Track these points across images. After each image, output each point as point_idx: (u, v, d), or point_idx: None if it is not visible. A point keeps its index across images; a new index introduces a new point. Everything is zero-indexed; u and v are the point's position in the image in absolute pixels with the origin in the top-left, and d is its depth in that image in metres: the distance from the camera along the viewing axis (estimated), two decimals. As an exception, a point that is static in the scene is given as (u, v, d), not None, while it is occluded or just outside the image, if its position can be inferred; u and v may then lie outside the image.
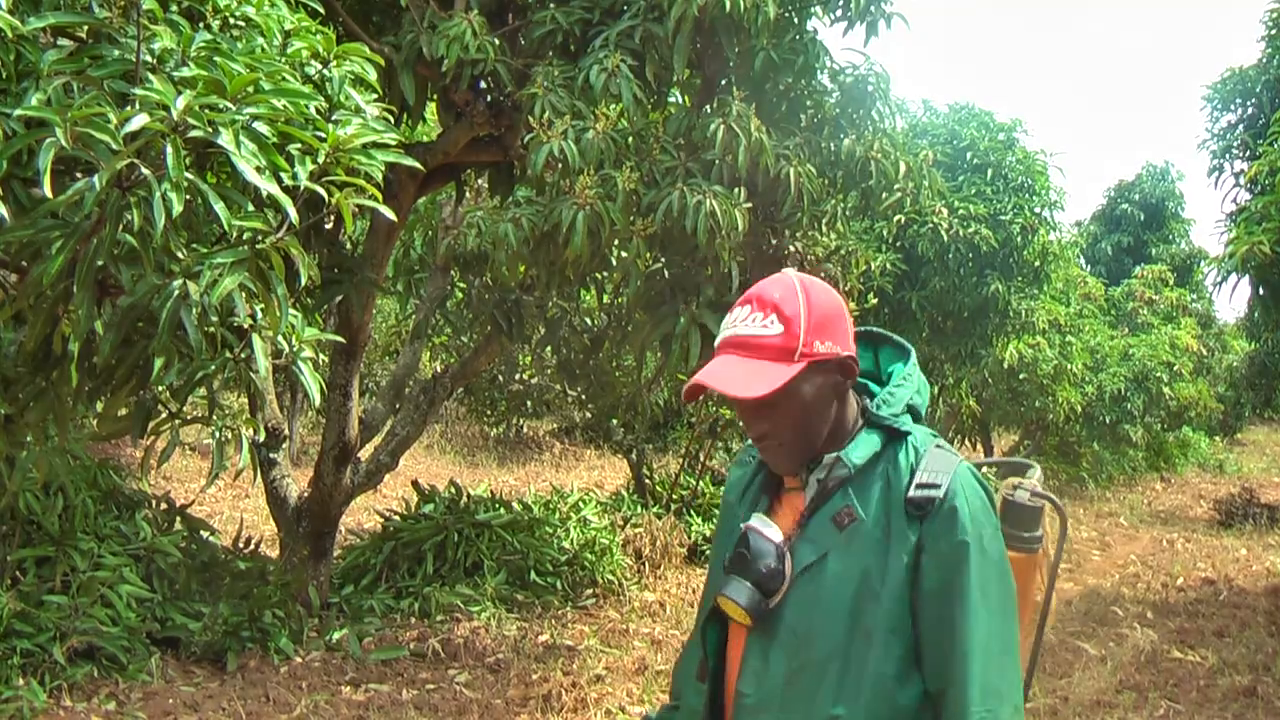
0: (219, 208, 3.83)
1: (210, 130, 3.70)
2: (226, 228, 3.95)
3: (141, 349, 4.23)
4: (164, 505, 9.30)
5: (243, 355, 4.31)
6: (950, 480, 2.59)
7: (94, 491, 8.75)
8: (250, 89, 3.88)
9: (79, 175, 3.85)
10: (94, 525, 8.46)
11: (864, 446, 2.67)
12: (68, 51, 3.88)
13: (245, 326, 4.27)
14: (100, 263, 3.91)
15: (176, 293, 3.94)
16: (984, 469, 2.97)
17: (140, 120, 3.56)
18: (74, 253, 3.87)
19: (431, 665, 8.76)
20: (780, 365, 2.57)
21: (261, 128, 3.89)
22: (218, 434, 4.68)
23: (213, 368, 4.31)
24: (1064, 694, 8.96)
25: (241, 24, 4.42)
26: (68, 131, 3.54)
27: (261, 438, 9.24)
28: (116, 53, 3.88)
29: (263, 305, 4.18)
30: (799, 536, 2.68)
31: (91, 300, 4.00)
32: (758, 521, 2.73)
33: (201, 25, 4.26)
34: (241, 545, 9.69)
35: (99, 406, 5.07)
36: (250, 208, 4.06)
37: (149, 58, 3.90)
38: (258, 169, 3.80)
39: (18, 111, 3.63)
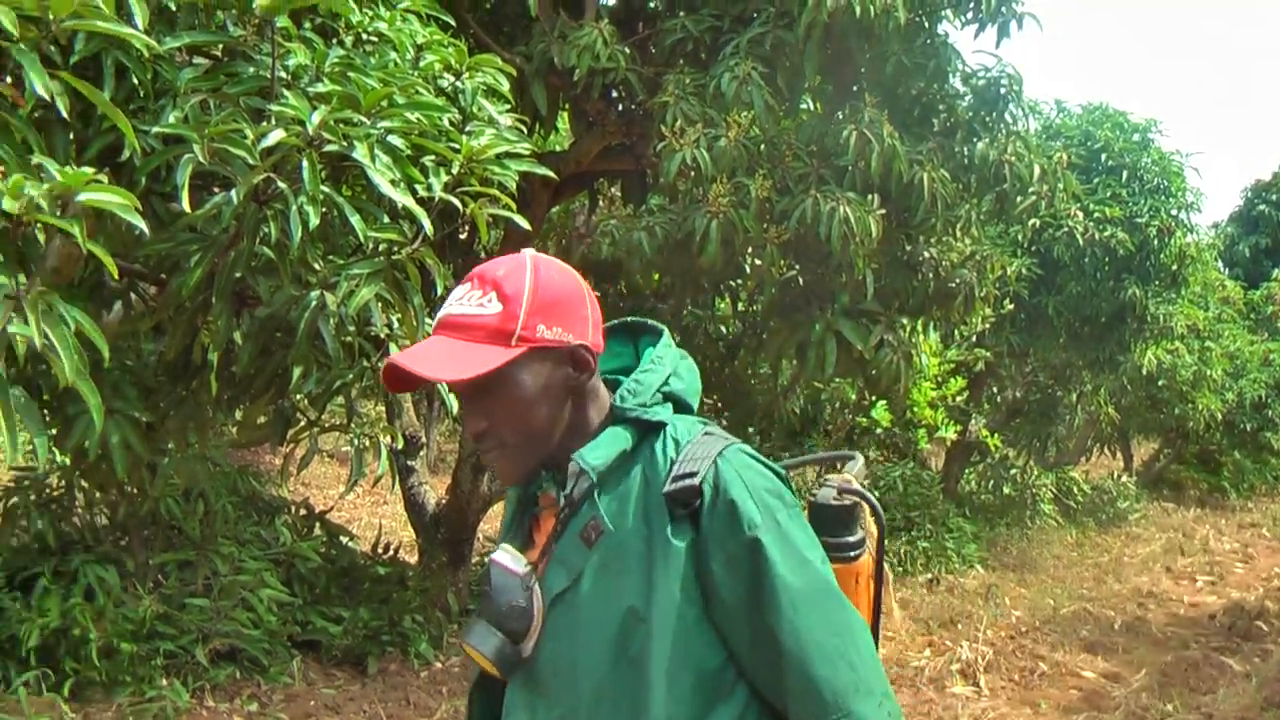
0: (355, 220, 3.89)
1: (345, 144, 3.75)
2: (362, 239, 4.01)
3: (280, 358, 4.30)
4: (303, 511, 9.45)
5: (380, 364, 4.36)
6: (714, 465, 2.20)
7: (234, 497, 8.91)
8: (384, 103, 3.93)
9: (216, 190, 3.93)
10: (234, 530, 8.61)
11: (606, 446, 2.27)
12: (204, 69, 3.95)
13: (382, 336, 4.34)
14: (238, 275, 3.99)
15: (314, 303, 4.01)
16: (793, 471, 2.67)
17: (276, 135, 3.62)
18: (212, 265, 3.95)
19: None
20: (492, 348, 2.20)
21: (396, 140, 3.94)
22: (356, 441, 4.73)
23: (350, 376, 4.37)
24: (1208, 710, 8.77)
25: (374, 39, 4.48)
26: (205, 147, 3.62)
27: (399, 445, 9.33)
28: (252, 70, 3.95)
29: (399, 315, 4.24)
30: (549, 561, 2.31)
31: (230, 311, 4.08)
32: (502, 553, 2.35)
33: (335, 41, 4.33)
34: (380, 551, 9.81)
35: (238, 414, 5.18)
36: (385, 219, 4.12)
37: (284, 74, 3.96)
38: (392, 181, 3.85)
39: (156, 129, 3.71)
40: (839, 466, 2.67)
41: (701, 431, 2.29)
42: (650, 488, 2.24)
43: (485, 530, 11.53)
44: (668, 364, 2.41)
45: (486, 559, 2.43)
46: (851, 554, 2.46)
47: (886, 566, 2.56)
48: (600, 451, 2.26)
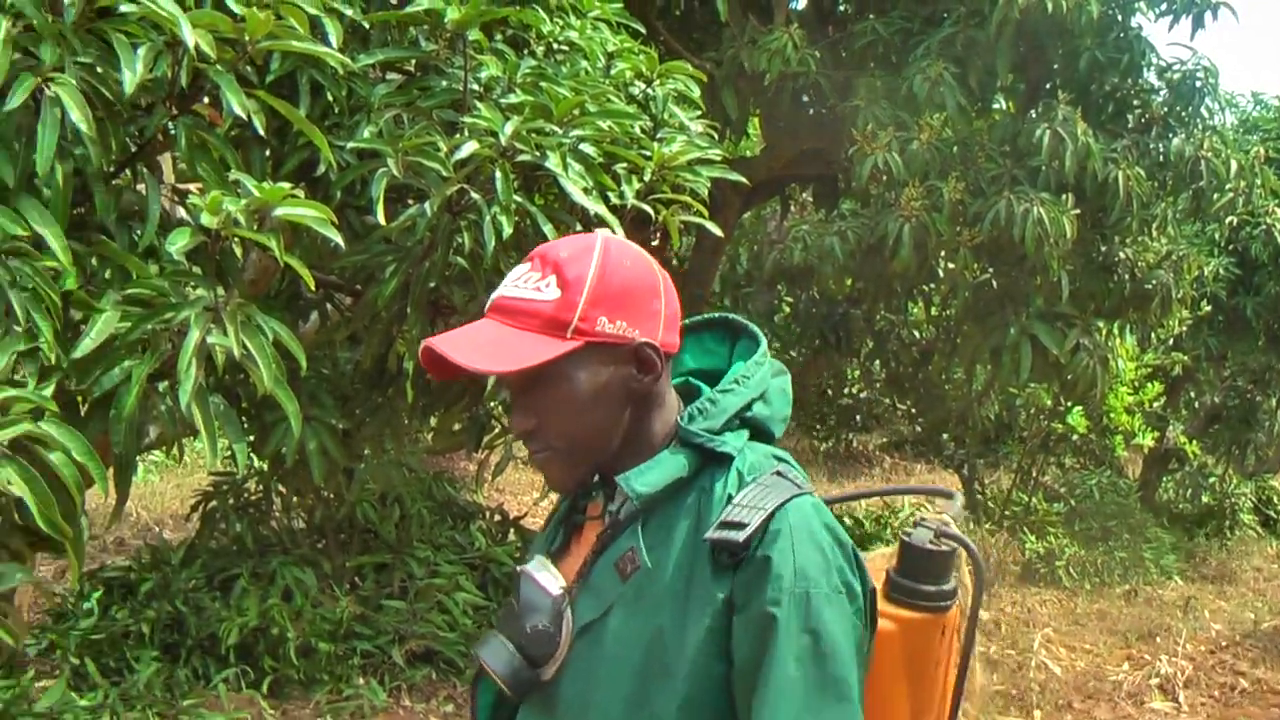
0: (548, 229, 3.89)
1: (538, 154, 3.76)
2: (555, 248, 4.01)
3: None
4: (498, 517, 9.54)
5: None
6: (767, 519, 1.92)
7: (429, 502, 9.04)
8: (576, 111, 3.94)
9: (410, 202, 3.97)
10: (430, 535, 8.73)
11: (660, 470, 2.00)
12: (396, 84, 4.01)
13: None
14: (432, 284, 4.03)
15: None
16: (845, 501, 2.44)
17: (470, 147, 3.65)
18: (407, 275, 4.00)
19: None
20: (544, 339, 1.95)
21: (588, 149, 3.95)
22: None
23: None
24: None
25: (565, 48, 4.49)
26: (399, 161, 3.67)
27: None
28: (444, 83, 3.99)
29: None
30: (582, 586, 2.06)
31: (425, 320, 4.12)
32: (536, 565, 2.11)
33: (526, 52, 4.35)
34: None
35: (433, 421, 5.24)
36: (579, 227, 4.12)
37: (476, 86, 4.00)
38: (585, 190, 3.86)
39: (351, 144, 3.76)
40: (930, 502, 2.50)
41: (772, 470, 2.01)
42: (701, 525, 1.98)
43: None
44: (754, 384, 2.11)
45: (516, 567, 2.14)
46: (942, 604, 2.14)
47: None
48: (650, 477, 2.00)
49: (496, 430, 4.91)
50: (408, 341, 4.20)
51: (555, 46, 4.48)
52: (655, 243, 7.87)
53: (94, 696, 6.34)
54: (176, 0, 3.07)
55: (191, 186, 3.59)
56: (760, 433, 2.11)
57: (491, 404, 4.70)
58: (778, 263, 8.83)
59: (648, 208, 4.11)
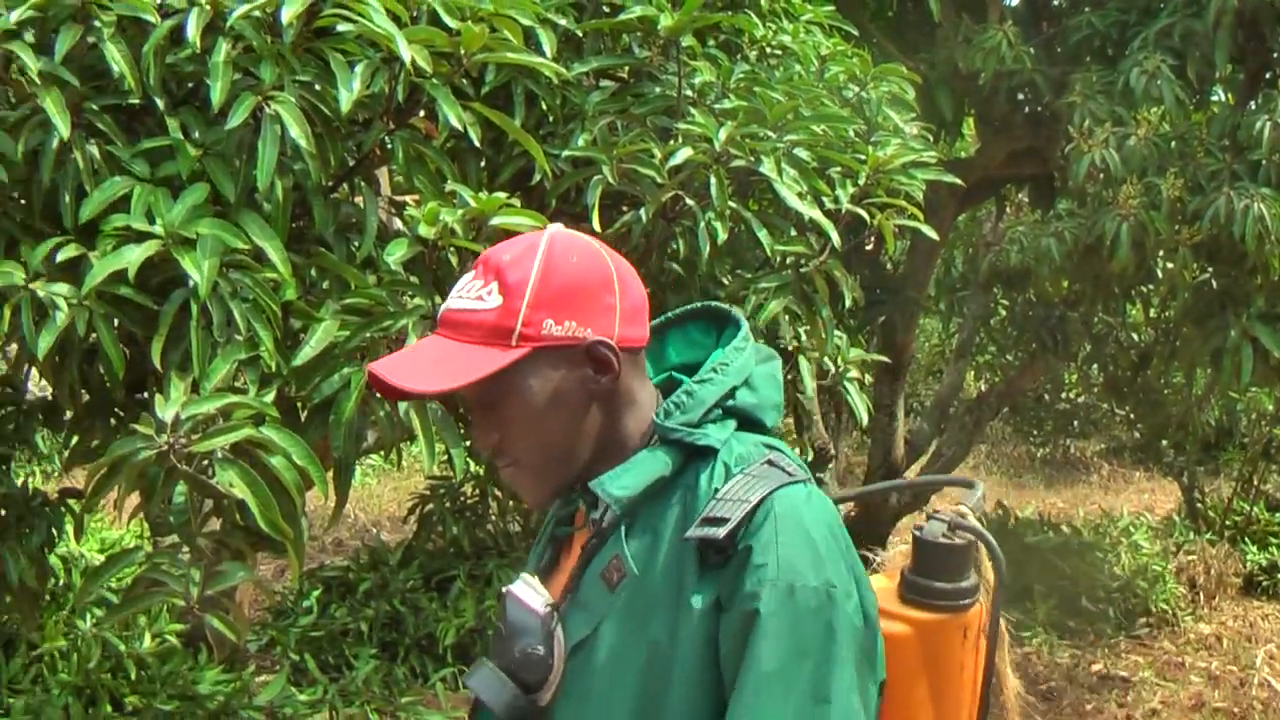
0: (762, 234, 3.89)
1: (752, 159, 3.75)
2: (770, 253, 4.01)
3: (690, 371, 4.33)
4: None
5: (789, 376, 4.34)
6: (752, 511, 1.76)
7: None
8: (790, 116, 3.92)
9: (625, 209, 4.00)
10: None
11: (637, 471, 1.85)
12: (610, 92, 4.04)
13: (791, 348, 4.32)
14: (648, 291, 4.03)
15: (722, 317, 4.02)
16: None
17: (684, 153, 3.66)
18: (621, 282, 4.01)
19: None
20: (488, 351, 1.81)
21: (802, 153, 3.93)
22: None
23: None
24: None
25: (778, 53, 4.48)
26: (614, 168, 3.70)
27: (809, 457, 9.33)
28: (658, 90, 4.01)
29: (807, 327, 4.22)
30: (571, 602, 1.90)
31: (639, 328, 4.13)
32: (522, 585, 1.94)
33: (739, 57, 4.35)
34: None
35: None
36: (792, 232, 4.10)
37: (690, 92, 4.00)
38: (799, 194, 3.83)
39: (566, 152, 3.80)
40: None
41: (763, 460, 1.85)
42: (688, 524, 1.81)
43: (894, 543, 11.39)
44: (734, 371, 1.93)
45: (502, 589, 1.97)
46: (960, 603, 1.96)
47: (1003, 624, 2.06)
48: (627, 480, 1.84)
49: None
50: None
51: (768, 51, 4.48)
52: (869, 247, 7.81)
53: (313, 692, 6.47)
54: (393, 17, 3.13)
55: (408, 198, 3.65)
56: (750, 423, 1.94)
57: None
58: (993, 265, 8.65)
59: (862, 212, 4.07)
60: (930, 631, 1.93)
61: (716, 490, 1.80)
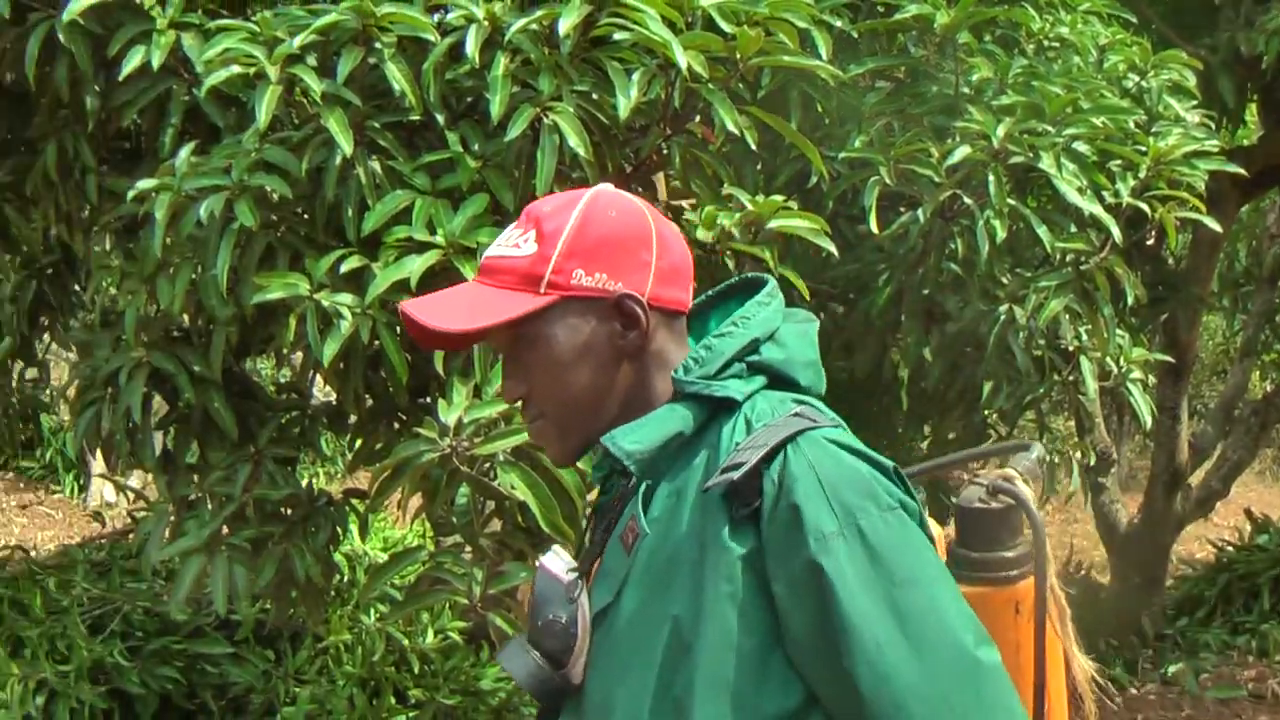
0: (1041, 231, 3.84)
1: (1030, 155, 3.71)
2: (1049, 250, 3.96)
3: (969, 374, 4.30)
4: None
5: (1070, 377, 4.28)
6: (781, 454, 1.63)
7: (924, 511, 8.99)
8: (1069, 109, 3.86)
9: (902, 209, 3.99)
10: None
11: (652, 426, 1.75)
12: (886, 92, 4.06)
13: (1072, 349, 4.25)
14: (926, 292, 4.03)
15: (1002, 317, 3.99)
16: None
17: (962, 152, 3.64)
18: (900, 283, 4.03)
19: (1271, 708, 8.26)
20: (517, 295, 1.77)
21: (1081, 147, 3.87)
22: (1048, 457, 4.65)
23: (1041, 390, 4.31)
24: None
25: (1056, 45, 4.43)
26: (891, 169, 3.70)
27: (1090, 461, 9.13)
28: (935, 88, 4.01)
29: (1088, 326, 4.16)
30: (598, 570, 1.83)
31: (919, 328, 4.13)
32: (550, 555, 1.88)
33: (1016, 51, 4.30)
34: (1072, 570, 9.62)
35: (927, 430, 5.21)
36: (1072, 229, 4.04)
37: (967, 89, 3.98)
38: (1079, 189, 3.78)
39: (842, 154, 3.83)
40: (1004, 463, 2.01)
41: (790, 411, 1.71)
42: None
43: (1178, 552, 11.07)
44: (756, 325, 1.81)
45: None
46: (1002, 574, 1.84)
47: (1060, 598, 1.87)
48: (641, 434, 1.75)
49: (993, 438, 4.84)
50: (902, 349, 4.21)
51: (1046, 44, 4.42)
52: (1150, 241, 7.60)
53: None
54: (668, 24, 3.17)
55: (685, 202, 3.70)
56: (782, 381, 1.80)
57: (986, 411, 4.64)
58: (1278, 258, 8.35)
59: (1143, 205, 3.99)
60: (984, 607, 1.74)
61: (738, 445, 1.68)
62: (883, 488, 1.63)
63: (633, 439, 1.73)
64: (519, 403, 1.86)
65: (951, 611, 1.60)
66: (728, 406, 1.74)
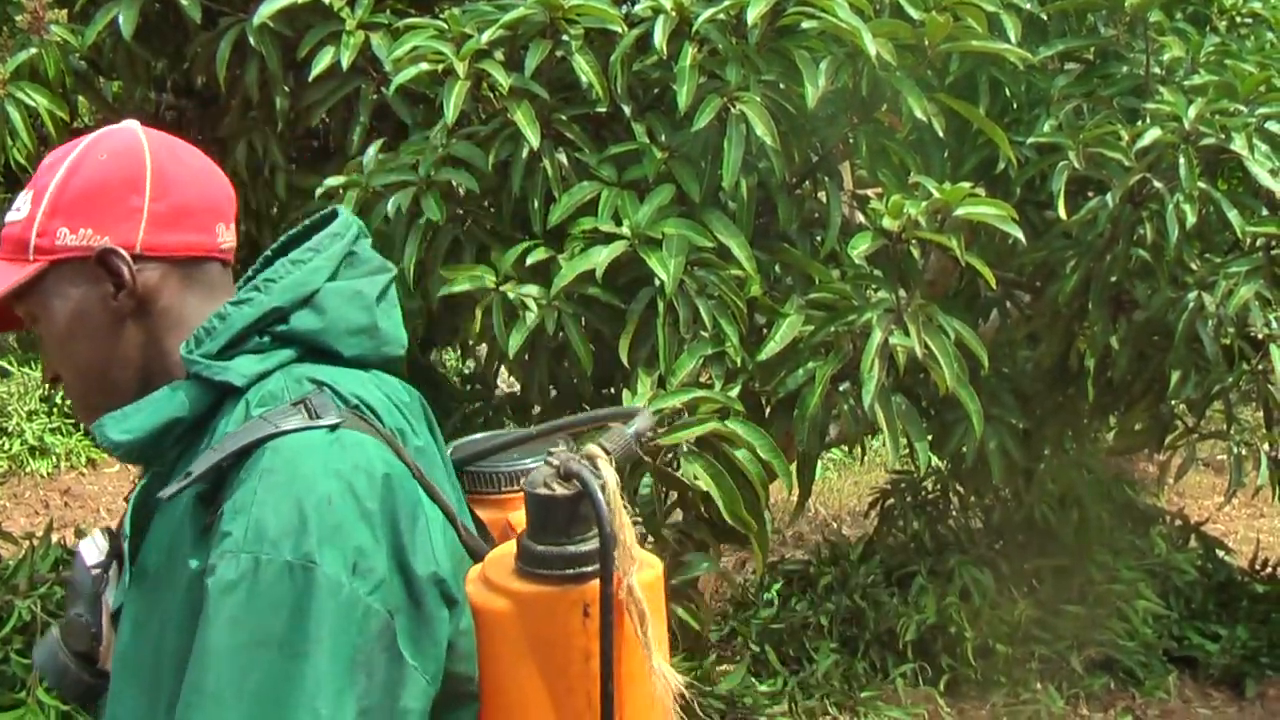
0: (1232, 215, 3.76)
1: (1222, 136, 3.63)
2: (1240, 235, 3.85)
3: (1157, 363, 4.21)
4: (1178, 521, 9.17)
5: (1260, 366, 4.16)
6: (225, 461, 1.42)
7: (1109, 505, 8.79)
8: (1262, 88, 3.76)
9: (1090, 194, 3.93)
10: (1109, 539, 8.49)
11: (147, 413, 1.51)
12: (1075, 74, 3.98)
13: (1262, 336, 4.14)
14: (1114, 279, 3.95)
15: (1191, 305, 3.90)
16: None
17: (1152, 134, 3.57)
18: (1088, 270, 3.95)
19: None
20: (11, 266, 1.56)
21: (1274, 127, 3.78)
22: (1235, 449, 4.54)
23: (1230, 380, 4.21)
24: None
25: (1249, 21, 4.33)
26: (1080, 153, 3.64)
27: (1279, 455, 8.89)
28: (1125, 69, 3.93)
29: (1279, 314, 4.04)
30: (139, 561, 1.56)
31: (1107, 316, 4.05)
32: (87, 540, 1.64)
33: (1208, 29, 4.20)
34: (1258, 567, 9.35)
35: (1113, 421, 5.11)
36: (1264, 212, 3.94)
37: (1158, 70, 3.91)
38: (1271, 171, 3.69)
39: (1030, 139, 3.78)
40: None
41: (298, 398, 1.49)
42: None
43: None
44: (285, 287, 1.57)
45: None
46: (569, 572, 1.48)
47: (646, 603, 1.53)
48: (130, 423, 1.52)
49: (1179, 429, 4.74)
50: (1089, 338, 4.14)
51: (1238, 20, 4.33)
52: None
53: (773, 683, 6.57)
54: (856, 11, 3.16)
55: (871, 191, 3.69)
56: (325, 354, 1.58)
57: (1174, 402, 4.54)
58: None
59: (1339, 187, 3.85)
60: (534, 609, 1.50)
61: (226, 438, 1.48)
62: (318, 532, 1.38)
63: (121, 428, 1.52)
64: (56, 381, 1.67)
65: (310, 701, 1.36)
66: (234, 393, 1.53)
